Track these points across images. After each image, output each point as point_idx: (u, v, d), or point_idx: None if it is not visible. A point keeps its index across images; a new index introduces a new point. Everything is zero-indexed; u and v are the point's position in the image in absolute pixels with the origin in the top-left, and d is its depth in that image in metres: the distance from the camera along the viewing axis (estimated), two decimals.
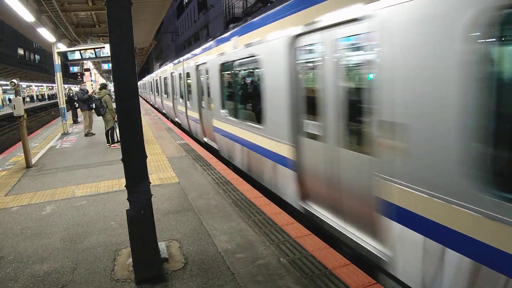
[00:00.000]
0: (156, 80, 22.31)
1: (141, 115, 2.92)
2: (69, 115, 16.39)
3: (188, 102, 11.56)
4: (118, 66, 2.81)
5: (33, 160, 8.14)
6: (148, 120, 16.34)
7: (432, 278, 2.60)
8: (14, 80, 7.45)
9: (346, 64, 3.55)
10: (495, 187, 2.15)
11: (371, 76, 3.13)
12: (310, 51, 4.17)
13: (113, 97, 7.51)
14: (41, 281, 3.16)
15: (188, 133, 12.10)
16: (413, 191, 2.67)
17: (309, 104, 4.22)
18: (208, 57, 8.38)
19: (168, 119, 17.08)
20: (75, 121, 16.55)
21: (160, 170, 6.80)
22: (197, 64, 9.68)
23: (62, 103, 13.20)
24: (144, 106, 27.67)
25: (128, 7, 2.75)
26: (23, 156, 7.75)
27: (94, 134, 12.05)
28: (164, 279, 3.05)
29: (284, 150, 4.70)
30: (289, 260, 3.27)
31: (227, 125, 7.24)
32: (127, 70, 2.82)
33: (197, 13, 37.49)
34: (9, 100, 40.21)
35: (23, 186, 6.25)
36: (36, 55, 55.28)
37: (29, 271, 3.34)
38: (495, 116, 2.16)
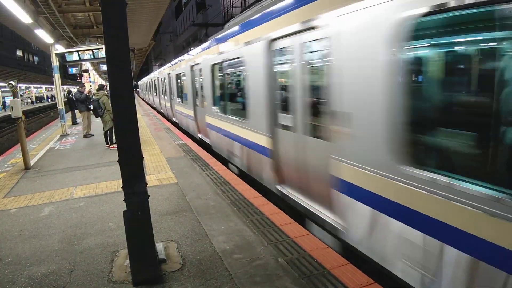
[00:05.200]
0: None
1: (140, 115, 2.92)
2: (68, 116, 16.38)
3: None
4: (113, 67, 2.81)
5: (32, 162, 8.13)
6: (147, 120, 16.33)
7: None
8: (12, 82, 7.44)
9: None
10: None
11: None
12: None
13: None
14: (38, 283, 3.15)
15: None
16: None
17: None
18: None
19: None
20: (74, 122, 16.53)
21: (159, 171, 6.79)
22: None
23: (60, 105, 13.17)
24: (143, 107, 27.64)
25: (123, 7, 2.74)
26: (22, 158, 7.74)
27: (93, 135, 12.03)
28: (161, 280, 3.05)
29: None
30: (287, 260, 3.27)
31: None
32: (122, 71, 2.81)
33: (195, 13, 37.46)
34: None
35: (21, 188, 6.24)
36: (35, 57, 55.20)
37: (27, 273, 3.33)
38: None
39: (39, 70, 53.30)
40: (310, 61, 4.21)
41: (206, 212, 4.55)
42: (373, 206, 3.13)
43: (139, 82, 49.52)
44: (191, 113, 11.05)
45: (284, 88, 4.83)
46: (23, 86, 44.51)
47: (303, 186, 4.49)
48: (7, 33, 40.15)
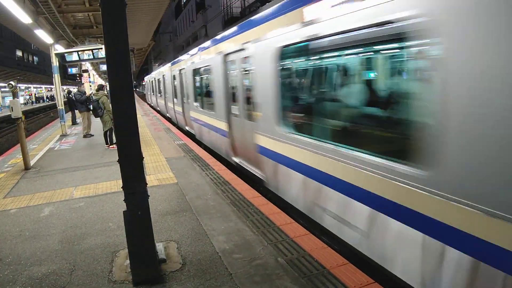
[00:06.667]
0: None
1: (140, 115, 2.92)
2: (68, 116, 16.37)
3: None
4: (113, 67, 2.81)
5: (32, 162, 8.13)
6: (147, 120, 16.34)
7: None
8: (11, 82, 7.44)
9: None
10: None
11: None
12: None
13: None
14: (39, 283, 3.16)
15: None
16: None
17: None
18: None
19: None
20: (74, 122, 16.54)
21: (159, 171, 6.80)
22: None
23: (60, 105, 13.18)
24: (143, 107, 27.62)
25: (123, 7, 2.74)
26: (22, 158, 7.75)
27: (92, 135, 12.04)
28: (161, 280, 3.05)
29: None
30: (287, 260, 3.27)
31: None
32: (122, 72, 2.81)
33: (195, 13, 37.46)
34: None
35: (21, 188, 6.24)
36: (34, 57, 55.16)
37: (27, 273, 3.34)
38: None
39: (38, 70, 53.27)
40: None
41: (206, 212, 4.56)
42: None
43: (146, 78, 33.30)
44: None
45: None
46: (23, 86, 44.53)
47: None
48: (7, 33, 40.13)
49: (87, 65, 18.37)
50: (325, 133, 3.93)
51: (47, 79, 48.57)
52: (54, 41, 12.14)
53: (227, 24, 23.59)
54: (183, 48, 41.67)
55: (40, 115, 32.16)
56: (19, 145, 8.52)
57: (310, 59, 4.38)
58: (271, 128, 4.83)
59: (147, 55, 44.58)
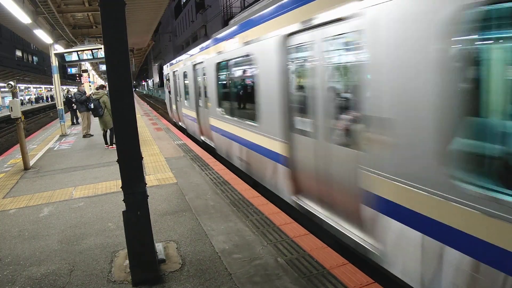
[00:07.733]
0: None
1: (140, 115, 2.91)
2: (67, 116, 16.36)
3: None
4: (112, 67, 2.80)
5: (31, 162, 8.12)
6: (147, 120, 16.33)
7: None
8: (11, 82, 7.43)
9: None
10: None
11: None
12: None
13: None
14: (38, 284, 3.15)
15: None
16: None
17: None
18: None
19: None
20: (74, 122, 16.52)
21: (158, 171, 6.79)
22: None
23: (60, 105, 13.16)
24: (143, 107, 27.61)
25: (122, 7, 2.74)
26: (21, 158, 7.74)
27: (92, 135, 12.03)
28: (161, 281, 3.05)
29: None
30: (286, 260, 3.27)
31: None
32: (122, 71, 2.81)
33: (195, 13, 37.46)
34: None
35: (21, 188, 6.23)
36: (34, 57, 55.16)
37: (27, 274, 3.33)
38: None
39: (38, 71, 53.26)
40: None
41: (206, 212, 4.55)
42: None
43: (173, 69, 14.35)
44: None
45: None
46: (22, 86, 44.52)
47: None
48: (7, 33, 40.11)
49: (86, 65, 18.34)
50: None
51: (47, 79, 48.55)
52: (53, 41, 12.13)
53: (226, 24, 23.54)
54: (183, 48, 41.63)
55: (40, 115, 32.16)
56: (18, 145, 8.51)
57: None
58: None
59: (146, 55, 44.60)
